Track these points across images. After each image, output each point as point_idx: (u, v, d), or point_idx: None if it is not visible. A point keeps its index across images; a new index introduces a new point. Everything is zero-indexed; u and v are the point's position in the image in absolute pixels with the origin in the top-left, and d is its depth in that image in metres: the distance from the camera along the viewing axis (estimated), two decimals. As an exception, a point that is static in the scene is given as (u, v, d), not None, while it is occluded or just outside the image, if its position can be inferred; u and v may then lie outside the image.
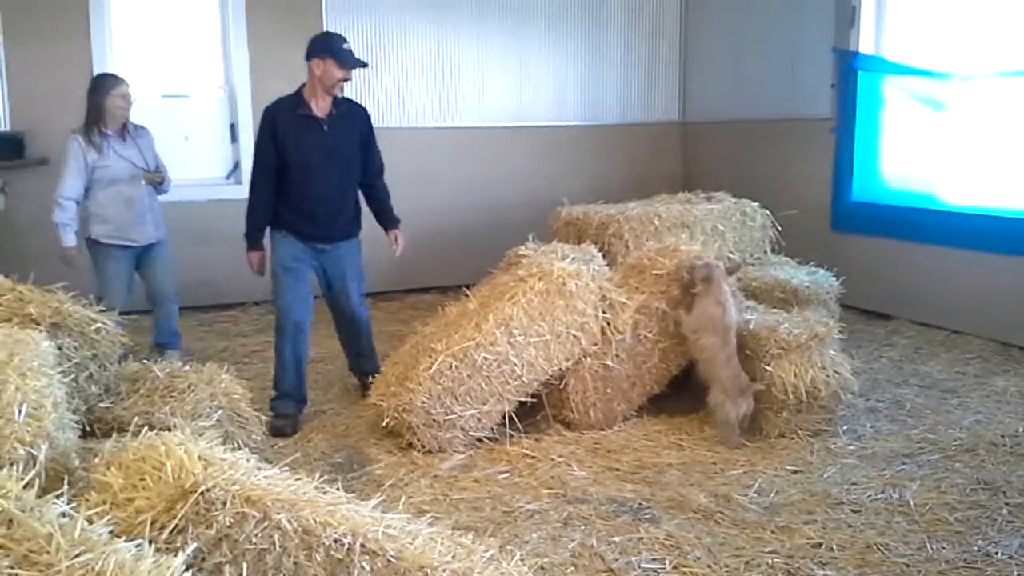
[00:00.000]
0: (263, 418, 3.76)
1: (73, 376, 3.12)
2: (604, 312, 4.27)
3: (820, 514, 3.27)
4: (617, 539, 3.08)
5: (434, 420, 3.98)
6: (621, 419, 4.31)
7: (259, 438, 3.61)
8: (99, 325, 3.38)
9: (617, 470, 3.74)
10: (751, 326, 4.28)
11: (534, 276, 4.18)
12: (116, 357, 3.44)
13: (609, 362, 4.25)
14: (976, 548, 3.00)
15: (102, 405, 3.25)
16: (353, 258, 4.57)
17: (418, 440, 3.98)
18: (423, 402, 3.96)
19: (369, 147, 4.53)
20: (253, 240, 4.40)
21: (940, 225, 6.03)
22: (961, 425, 4.23)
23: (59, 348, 3.07)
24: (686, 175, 8.42)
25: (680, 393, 4.47)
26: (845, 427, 4.17)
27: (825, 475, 3.65)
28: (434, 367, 3.98)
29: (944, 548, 3.00)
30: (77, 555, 1.52)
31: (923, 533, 3.11)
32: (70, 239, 4.82)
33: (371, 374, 4.43)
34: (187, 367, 3.65)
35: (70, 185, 4.80)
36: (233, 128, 7.05)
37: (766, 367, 4.07)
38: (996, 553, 2.97)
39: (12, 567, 1.50)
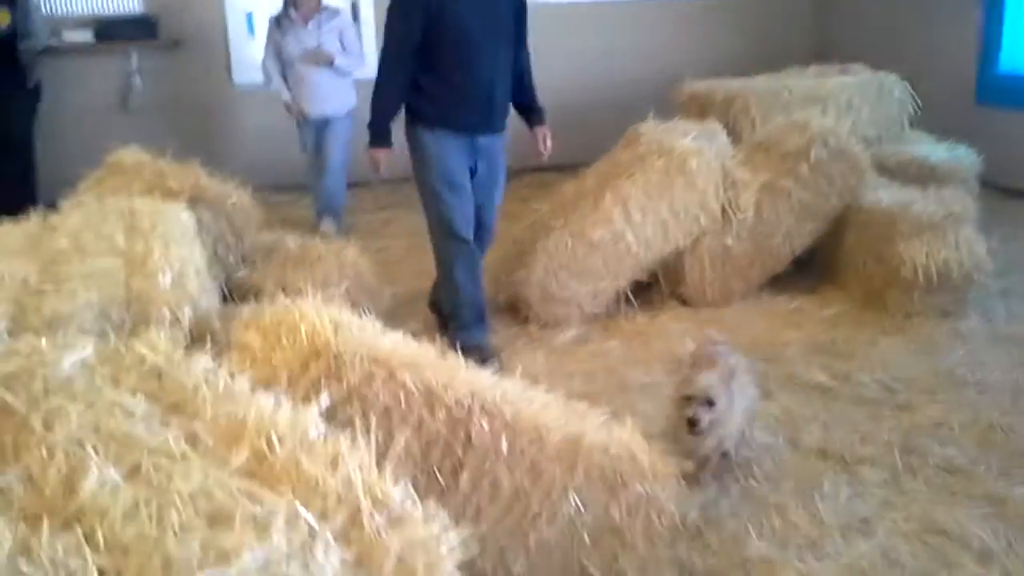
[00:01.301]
0: (388, 290, 3.91)
1: (211, 246, 3.31)
2: (726, 191, 4.17)
3: (943, 394, 3.20)
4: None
5: (550, 295, 4.05)
6: (739, 297, 4.27)
7: (383, 308, 3.76)
8: (234, 200, 3.56)
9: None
10: (882, 204, 4.11)
11: (654, 154, 4.11)
12: (251, 227, 3.62)
13: (729, 241, 4.18)
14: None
15: (238, 274, 3.46)
16: (503, 159, 3.86)
17: (534, 314, 4.07)
18: (540, 278, 4.03)
19: (521, 15, 3.75)
20: (382, 134, 3.54)
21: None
22: (1100, 308, 3.99)
23: (198, 221, 3.26)
24: (819, 47, 7.92)
25: (803, 272, 4.36)
26: (976, 309, 3.99)
27: (951, 356, 3.54)
28: (551, 244, 4.02)
29: (1071, 430, 2.90)
30: (221, 405, 1.65)
31: (1050, 414, 3.01)
32: (285, 94, 5.59)
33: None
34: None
35: (265, 61, 5.60)
36: (354, 8, 7.03)
37: (896, 247, 3.91)
38: None
39: (162, 415, 1.64)
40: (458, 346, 2.98)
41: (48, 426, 1.51)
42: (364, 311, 3.43)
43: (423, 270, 4.89)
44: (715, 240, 4.18)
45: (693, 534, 2.41)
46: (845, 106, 5.50)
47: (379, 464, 1.52)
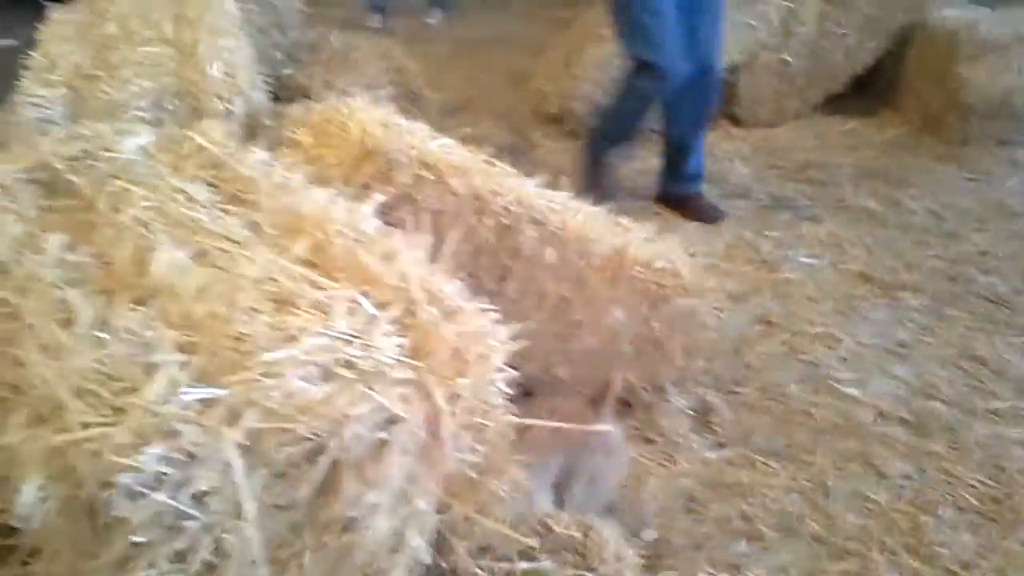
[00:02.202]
0: (432, 94, 3.85)
1: (257, 40, 3.25)
2: (788, 5, 3.96)
3: (991, 223, 3.16)
4: (775, 234, 3.10)
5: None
6: (792, 117, 4.15)
7: (431, 114, 3.71)
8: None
9: (782, 168, 3.67)
10: (947, 23, 3.88)
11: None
12: (296, 22, 3.53)
13: (787, 56, 4.02)
14: None
15: (285, 71, 3.41)
16: None
17: (581, 128, 4.00)
18: (588, 90, 3.93)
19: None
20: None
21: None
22: None
23: (243, 13, 3.18)
24: None
25: (862, 93, 4.21)
26: (1035, 138, 3.86)
27: (1004, 186, 3.47)
28: (602, 54, 3.89)
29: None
30: (279, 197, 1.68)
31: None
32: None
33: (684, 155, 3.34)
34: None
35: None
36: None
37: (958, 68, 3.74)
38: None
39: (223, 203, 1.68)
40: (589, 156, 3.01)
41: (115, 208, 1.56)
42: (411, 114, 3.44)
43: (469, 77, 4.82)
44: (772, 55, 4.02)
45: (731, 350, 2.46)
46: None
47: (432, 262, 1.56)
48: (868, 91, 4.21)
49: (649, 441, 2.09)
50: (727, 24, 3.83)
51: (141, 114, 2.17)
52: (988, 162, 3.68)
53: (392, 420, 1.23)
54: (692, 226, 3.18)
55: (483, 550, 1.39)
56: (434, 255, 1.61)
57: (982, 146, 3.77)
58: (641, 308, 2.19)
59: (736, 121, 4.12)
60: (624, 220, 2.44)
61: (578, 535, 1.41)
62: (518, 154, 3.87)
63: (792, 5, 3.95)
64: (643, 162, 3.55)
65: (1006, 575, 1.72)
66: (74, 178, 1.66)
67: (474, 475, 1.35)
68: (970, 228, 3.13)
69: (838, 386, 2.29)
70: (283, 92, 3.29)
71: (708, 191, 3.43)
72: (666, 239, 2.36)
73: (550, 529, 1.43)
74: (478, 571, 1.35)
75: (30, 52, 2.57)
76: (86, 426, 1.09)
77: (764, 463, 2.01)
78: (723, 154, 3.82)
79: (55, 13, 2.83)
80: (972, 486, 1.94)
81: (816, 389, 2.29)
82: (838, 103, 4.20)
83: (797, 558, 1.75)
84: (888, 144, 3.88)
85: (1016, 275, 2.81)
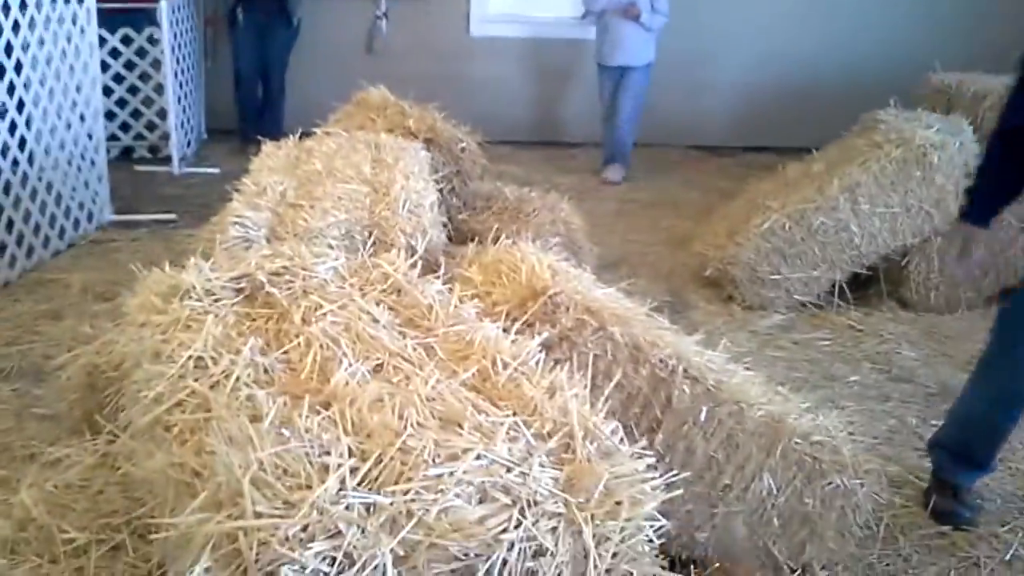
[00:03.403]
0: (594, 248, 3.98)
1: (440, 187, 3.50)
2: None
3: None
4: (940, 423, 2.94)
5: (759, 277, 3.97)
6: (965, 307, 4.00)
7: (589, 266, 3.83)
8: (464, 144, 3.73)
9: (952, 356, 3.53)
10: None
11: (892, 143, 3.91)
12: (476, 174, 3.78)
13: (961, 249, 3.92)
14: None
15: (460, 216, 3.63)
16: None
17: (740, 294, 4.01)
18: (750, 258, 3.96)
19: None
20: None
21: None
22: None
23: (431, 160, 3.45)
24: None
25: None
26: None
27: None
28: (767, 224, 3.94)
29: None
30: (452, 324, 1.78)
31: None
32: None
33: None
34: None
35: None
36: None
37: None
38: None
39: (401, 326, 1.79)
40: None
41: (306, 321, 1.69)
42: (576, 264, 3.57)
43: (631, 235, 4.95)
44: (947, 242, 3.93)
45: (887, 537, 2.32)
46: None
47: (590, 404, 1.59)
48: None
49: (793, 623, 1.98)
50: (898, 206, 3.83)
51: (334, 242, 2.36)
52: None
53: (540, 551, 1.24)
54: (853, 406, 3.07)
55: None
56: (591, 398, 1.64)
57: None
58: (794, 481, 2.12)
59: (904, 304, 4.02)
60: (783, 389, 2.41)
61: None
62: (675, 313, 3.90)
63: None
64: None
65: None
66: (273, 290, 1.82)
67: (615, 621, 1.32)
68: None
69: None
70: (458, 235, 3.50)
71: (872, 370, 3.32)
72: (826, 415, 2.30)
73: None
74: None
75: (238, 180, 2.87)
76: (259, 515, 1.16)
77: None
78: (890, 335, 3.71)
79: (267, 147, 3.16)
80: None
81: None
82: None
83: None
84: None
85: None
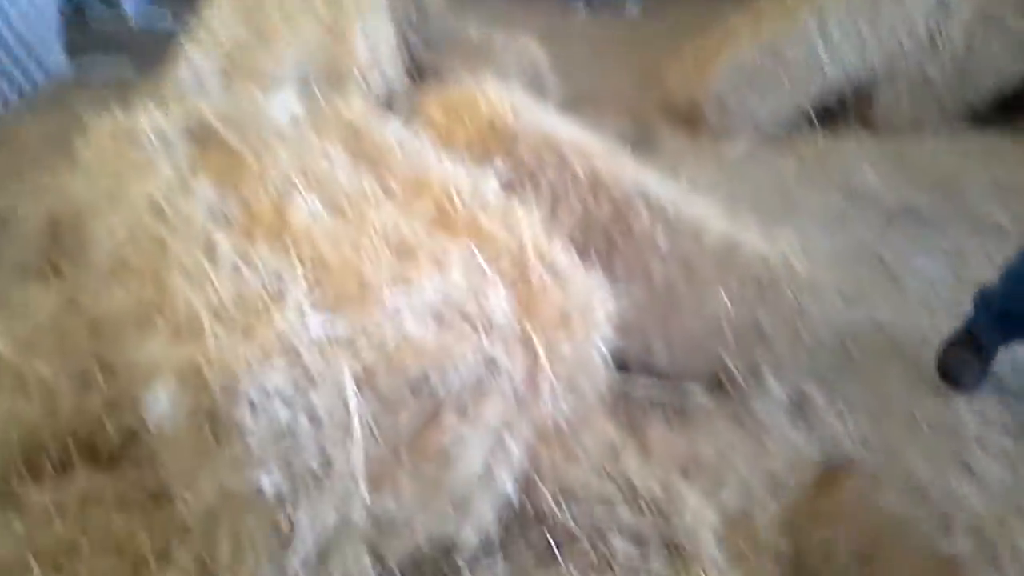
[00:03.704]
0: (560, 85, 3.94)
1: (398, 25, 3.42)
2: (936, 16, 3.84)
3: None
4: (897, 241, 3.04)
5: (728, 108, 3.95)
6: (930, 128, 4.02)
7: (554, 100, 3.79)
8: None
9: (913, 177, 3.57)
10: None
11: (862, -35, 3.80)
12: (436, 7, 3.68)
13: (931, 71, 3.90)
14: None
15: (422, 55, 3.57)
16: None
17: (707, 124, 4.00)
18: (720, 89, 3.93)
19: None
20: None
21: None
22: None
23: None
24: None
25: (1005, 109, 4.04)
26: None
27: None
28: (736, 55, 3.89)
29: None
30: (409, 163, 1.80)
31: None
32: None
33: None
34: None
35: None
36: None
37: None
38: None
39: (358, 165, 1.81)
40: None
41: (262, 163, 1.71)
42: (538, 102, 3.54)
43: (596, 70, 4.86)
44: (915, 67, 3.90)
45: (837, 347, 2.45)
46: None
47: (546, 233, 1.64)
48: (1012, 107, 4.03)
49: (740, 424, 2.12)
50: (867, 32, 3.78)
51: (290, 84, 2.33)
52: None
53: (495, 367, 1.32)
54: (815, 227, 3.14)
55: (566, 495, 1.47)
56: (549, 228, 1.69)
57: None
58: (749, 297, 2.21)
59: (869, 127, 4.03)
60: (744, 214, 2.46)
61: (659, 492, 1.46)
62: (642, 146, 3.90)
63: (941, 19, 3.83)
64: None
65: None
66: (227, 135, 1.82)
67: (566, 427, 1.43)
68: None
69: (942, 389, 2.24)
70: (419, 75, 3.45)
71: (836, 193, 3.38)
72: (782, 234, 2.37)
73: (632, 484, 1.48)
74: (559, 514, 1.43)
75: (191, 26, 2.79)
76: (219, 342, 1.22)
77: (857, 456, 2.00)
78: (853, 159, 3.74)
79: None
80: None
81: (919, 392, 2.25)
82: (979, 117, 4.04)
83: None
84: (1025, 161, 3.71)
85: None
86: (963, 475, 1.96)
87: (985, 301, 2.36)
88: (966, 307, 2.52)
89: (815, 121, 3.96)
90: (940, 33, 3.87)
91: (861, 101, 4.04)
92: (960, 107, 4.02)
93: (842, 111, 4.07)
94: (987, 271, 2.82)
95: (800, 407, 2.19)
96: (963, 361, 2.30)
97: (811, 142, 3.91)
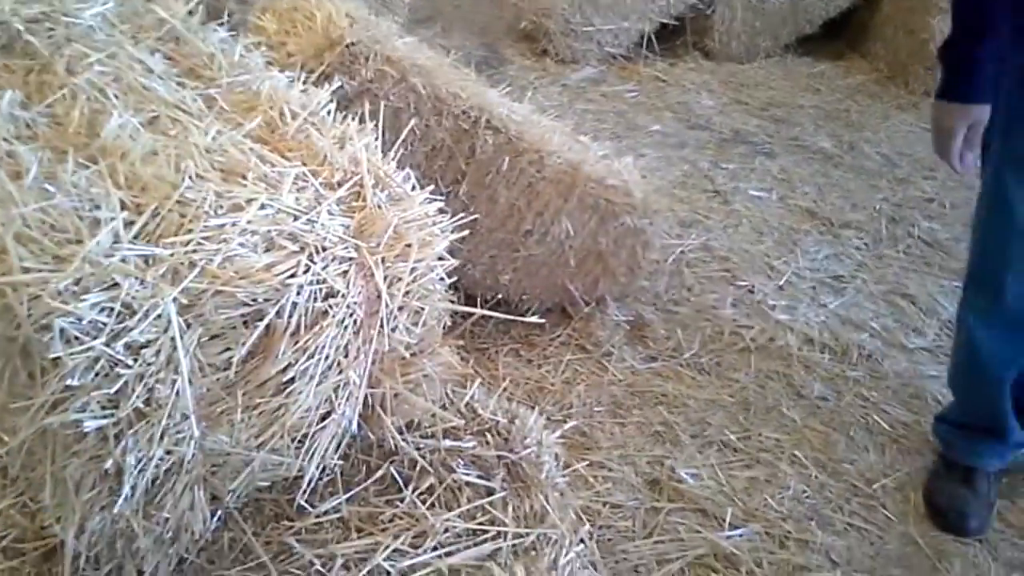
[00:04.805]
0: (406, 1, 3.81)
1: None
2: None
3: (942, 172, 3.24)
4: (730, 167, 3.16)
5: (572, 29, 3.96)
6: (763, 55, 4.18)
7: (400, 19, 3.68)
8: None
9: (746, 104, 3.72)
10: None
11: None
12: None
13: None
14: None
15: (255, -41, 3.34)
16: None
17: (553, 48, 4.00)
18: (564, 9, 3.92)
19: None
20: (962, 75, 1.70)
21: None
22: None
23: None
24: None
25: (833, 37, 4.25)
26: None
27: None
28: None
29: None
30: (237, 75, 1.68)
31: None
32: None
33: None
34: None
35: None
36: None
37: (930, 19, 3.76)
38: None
39: (179, 76, 1.68)
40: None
41: (71, 71, 1.55)
42: (381, 12, 3.41)
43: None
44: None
45: (673, 271, 2.54)
46: None
47: (385, 154, 1.58)
48: (840, 36, 4.25)
49: (583, 349, 2.18)
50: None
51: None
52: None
53: (331, 294, 1.28)
54: (652, 153, 3.22)
55: (410, 427, 1.46)
56: (388, 149, 1.63)
57: (944, 99, 3.82)
58: (589, 223, 2.25)
59: (707, 54, 4.14)
60: (583, 138, 2.48)
61: (503, 420, 1.47)
62: (488, 67, 3.86)
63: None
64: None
65: (905, 492, 1.84)
66: (32, 39, 1.64)
67: (407, 355, 1.41)
68: (920, 175, 3.22)
69: (770, 312, 2.38)
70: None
71: (672, 119, 3.47)
72: (622, 160, 2.41)
73: (476, 413, 1.49)
74: (403, 446, 1.42)
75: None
76: (27, 271, 1.11)
77: (691, 377, 2.11)
78: (692, 85, 3.85)
79: None
80: (885, 411, 2.05)
81: (749, 313, 2.38)
82: (809, 45, 4.24)
83: (709, 462, 1.85)
84: (852, 89, 3.93)
85: (957, 223, 2.91)
86: (789, 393, 2.09)
87: (941, 421, 1.93)
88: (793, 230, 2.66)
89: (656, 45, 4.03)
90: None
91: (699, 28, 4.14)
92: (792, 34, 4.20)
93: (682, 35, 4.16)
94: (813, 195, 3.00)
95: (639, 331, 2.26)
96: (955, 498, 1.80)
97: (652, 67, 3.98)
